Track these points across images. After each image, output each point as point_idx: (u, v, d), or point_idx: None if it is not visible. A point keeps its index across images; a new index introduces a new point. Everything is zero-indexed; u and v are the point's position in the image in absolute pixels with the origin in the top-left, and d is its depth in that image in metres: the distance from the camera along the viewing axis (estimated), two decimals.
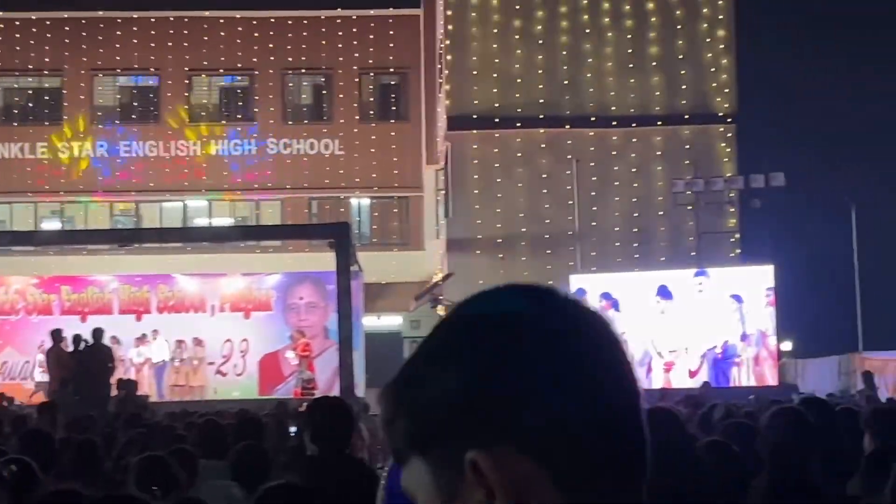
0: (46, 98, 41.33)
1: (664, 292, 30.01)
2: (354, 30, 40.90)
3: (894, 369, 26.55)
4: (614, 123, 35.82)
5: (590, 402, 1.30)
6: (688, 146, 35.75)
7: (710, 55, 36.26)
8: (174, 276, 31.44)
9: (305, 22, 40.92)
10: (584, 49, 36.21)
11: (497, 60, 36.16)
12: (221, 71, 41.04)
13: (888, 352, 27.58)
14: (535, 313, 1.38)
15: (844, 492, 5.64)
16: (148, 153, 40.86)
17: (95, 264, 34.08)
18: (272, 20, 41.00)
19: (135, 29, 40.64)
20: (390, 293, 39.13)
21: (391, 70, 41.59)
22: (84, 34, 40.79)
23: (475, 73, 36.12)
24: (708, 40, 36.33)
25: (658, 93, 36.03)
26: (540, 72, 36.10)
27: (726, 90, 36.26)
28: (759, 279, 29.71)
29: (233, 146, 40.92)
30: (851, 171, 38.19)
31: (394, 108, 41.72)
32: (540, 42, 36.20)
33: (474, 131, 35.91)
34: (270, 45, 40.82)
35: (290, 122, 41.16)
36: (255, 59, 40.94)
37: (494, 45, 36.27)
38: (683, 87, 36.01)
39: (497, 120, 35.86)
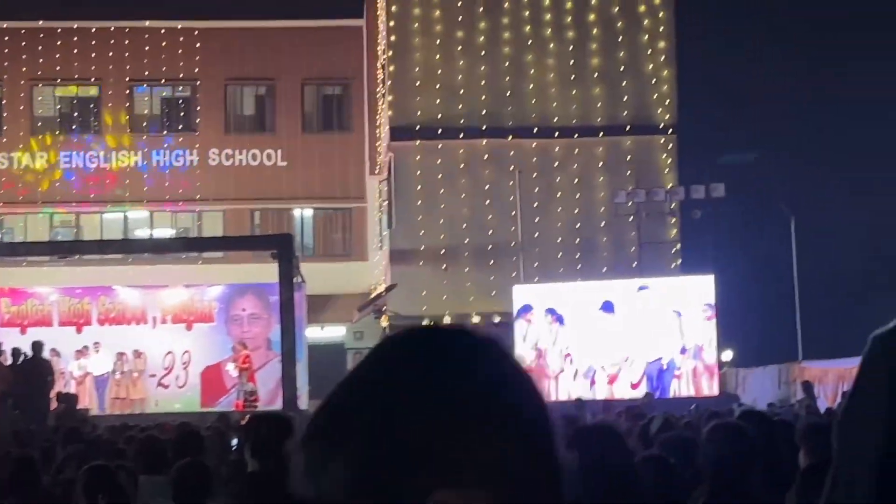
0: None
1: (607, 307, 30.18)
2: (297, 40, 40.82)
3: (834, 378, 26.80)
4: (556, 135, 35.95)
5: (517, 429, 1.30)
6: (629, 157, 35.94)
7: (650, 66, 36.49)
8: (115, 287, 31.19)
9: (248, 32, 40.79)
10: (526, 60, 36.34)
11: (440, 71, 36.20)
12: (163, 81, 40.80)
13: (827, 361, 27.82)
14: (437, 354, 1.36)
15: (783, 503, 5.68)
16: (88, 164, 40.53)
17: (35, 276, 33.76)
18: (214, 30, 40.84)
19: (75, 39, 40.33)
20: (334, 304, 39.03)
21: (334, 81, 41.55)
22: (24, 44, 40.41)
23: (418, 83, 36.13)
24: (649, 52, 36.57)
25: (600, 104, 36.22)
26: (483, 83, 36.17)
27: (667, 101, 36.50)
28: (699, 292, 29.92)
29: (174, 157, 40.68)
30: (791, 181, 38.56)
31: (337, 118, 41.68)
32: (482, 53, 36.28)
33: (417, 142, 35.92)
34: (213, 56, 40.65)
35: (232, 133, 40.99)
36: (197, 70, 40.75)
37: (437, 57, 36.31)
38: (625, 98, 36.21)
39: (440, 131, 35.89)
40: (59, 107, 41.06)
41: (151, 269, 35.25)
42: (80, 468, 7.13)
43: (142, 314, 30.62)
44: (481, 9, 36.42)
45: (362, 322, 38.50)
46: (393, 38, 36.61)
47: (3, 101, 40.75)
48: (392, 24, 36.68)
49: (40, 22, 40.16)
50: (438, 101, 36.06)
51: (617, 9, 36.35)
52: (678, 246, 35.78)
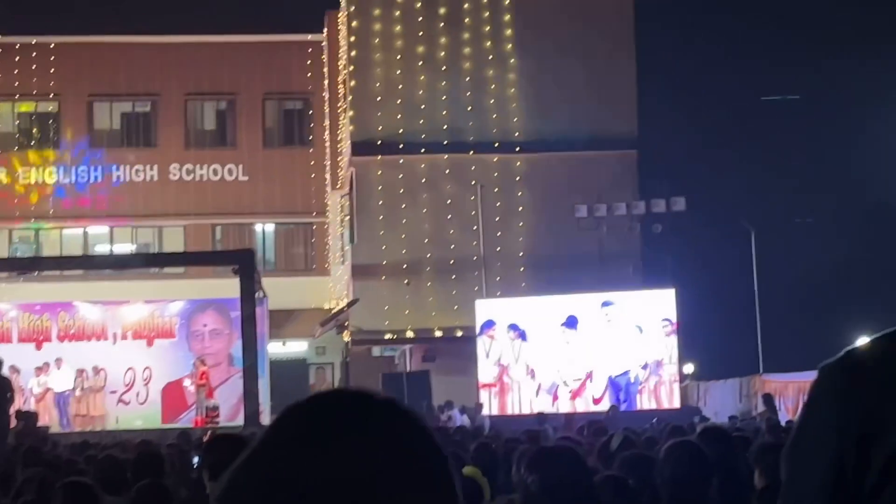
0: None
1: (570, 322, 30.27)
2: (258, 55, 40.78)
3: (794, 391, 26.97)
4: (518, 149, 36.03)
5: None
6: (590, 172, 36.03)
7: (611, 81, 36.61)
8: (75, 303, 31.02)
9: (208, 47, 40.70)
10: (487, 75, 36.42)
11: (401, 86, 36.23)
12: (123, 96, 40.64)
13: (788, 374, 27.99)
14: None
15: None
16: (48, 179, 40.31)
17: None
18: (175, 45, 40.72)
19: (34, 55, 40.11)
20: (295, 319, 38.94)
21: (295, 95, 41.52)
22: None
23: (379, 98, 36.14)
24: (609, 66, 36.69)
25: (560, 119, 36.30)
26: (444, 98, 36.22)
27: (628, 116, 36.64)
28: (659, 306, 30.03)
29: (135, 172, 40.52)
30: (750, 195, 38.81)
31: (297, 133, 41.65)
32: (443, 68, 36.34)
33: (378, 157, 35.91)
34: (173, 70, 40.53)
35: (193, 148, 40.86)
36: (157, 85, 40.61)
37: (398, 72, 36.35)
38: (585, 113, 36.31)
39: (401, 145, 35.90)
40: (17, 122, 40.82)
41: (112, 284, 35.06)
42: (41, 491, 7.09)
43: (102, 330, 30.46)
44: (442, 24, 36.51)
45: (324, 337, 38.44)
46: (353, 53, 36.62)
47: None
48: (353, 39, 36.70)
49: None
50: (399, 115, 36.08)
51: (576, 23, 36.46)
52: (639, 260, 35.91)
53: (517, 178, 36.04)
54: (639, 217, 34.41)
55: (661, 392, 29.88)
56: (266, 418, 27.74)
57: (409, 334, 35.35)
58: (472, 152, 35.88)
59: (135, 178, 40.54)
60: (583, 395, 30.11)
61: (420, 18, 36.54)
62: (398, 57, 36.42)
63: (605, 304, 30.36)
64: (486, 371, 30.72)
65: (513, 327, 30.66)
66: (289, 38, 41.23)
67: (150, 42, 40.70)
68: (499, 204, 35.57)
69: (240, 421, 24.72)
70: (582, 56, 36.45)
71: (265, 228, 41.47)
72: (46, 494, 6.85)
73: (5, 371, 24.10)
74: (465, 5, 36.68)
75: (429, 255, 35.53)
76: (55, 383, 29.95)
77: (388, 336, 35.61)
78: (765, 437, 11.18)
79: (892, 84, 37.08)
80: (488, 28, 36.61)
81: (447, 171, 35.88)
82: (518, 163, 36.13)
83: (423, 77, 36.28)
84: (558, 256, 35.46)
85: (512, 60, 36.54)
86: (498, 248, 35.27)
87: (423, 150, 35.83)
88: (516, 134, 36.21)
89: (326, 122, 41.17)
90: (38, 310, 30.79)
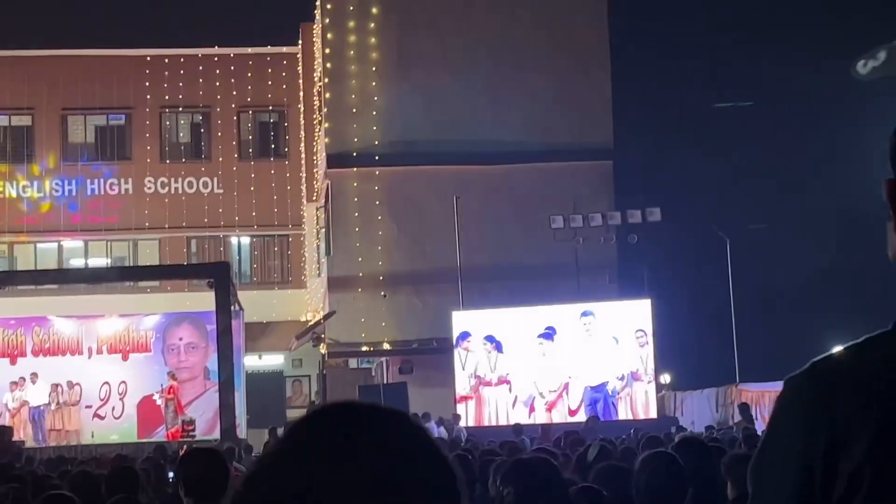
0: None
1: (547, 334, 30.28)
2: (232, 67, 40.76)
3: (771, 400, 27.02)
4: (494, 160, 36.04)
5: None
6: (566, 183, 36.07)
7: (585, 89, 36.67)
8: (50, 318, 30.90)
9: (183, 60, 40.66)
10: (462, 86, 36.39)
11: (376, 98, 36.24)
12: (97, 110, 40.52)
13: (764, 383, 28.04)
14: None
15: None
16: (22, 193, 40.16)
17: None
18: (149, 58, 40.66)
19: (7, 68, 39.95)
20: (272, 332, 38.89)
21: (270, 108, 41.51)
22: None
23: (354, 110, 36.14)
24: (583, 77, 36.76)
25: (536, 130, 36.34)
26: (421, 109, 36.19)
27: (602, 126, 36.72)
28: (636, 316, 30.06)
29: (109, 186, 40.40)
30: (724, 204, 38.90)
31: (273, 145, 41.62)
32: (419, 79, 36.32)
33: (354, 169, 35.89)
34: (147, 84, 40.46)
35: (167, 161, 40.79)
36: (131, 98, 40.52)
37: (373, 83, 36.35)
38: (560, 124, 36.36)
39: (377, 157, 35.89)
40: None
41: (87, 298, 34.92)
42: None
43: (77, 345, 30.34)
44: (416, 36, 36.49)
45: (301, 350, 38.37)
46: (328, 65, 36.61)
47: None
48: (328, 51, 36.69)
49: None
50: (375, 127, 36.08)
51: (551, 32, 36.52)
52: (615, 271, 35.97)
53: (493, 189, 36.04)
54: (615, 228, 34.46)
55: (638, 402, 29.91)
56: (242, 432, 27.69)
57: (386, 346, 35.32)
58: (449, 163, 35.87)
59: (109, 191, 40.42)
60: (559, 406, 30.11)
61: (394, 31, 36.54)
62: (373, 69, 36.42)
63: (586, 314, 30.37)
64: (462, 383, 30.69)
65: (489, 339, 30.66)
66: (263, 50, 41.24)
67: (125, 55, 40.63)
68: (476, 215, 35.55)
69: (216, 434, 24.65)
70: (556, 66, 36.51)
71: (241, 241, 41.40)
72: None
73: None
74: (440, 16, 36.68)
75: (406, 267, 35.50)
76: (30, 398, 29.81)
77: (364, 348, 35.56)
78: (740, 448, 11.19)
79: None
80: (463, 40, 36.61)
81: (424, 183, 35.87)
82: (494, 173, 36.13)
83: (398, 89, 36.26)
84: (535, 267, 35.47)
85: (485, 70, 36.53)
86: (475, 260, 35.25)
87: (399, 162, 35.81)
88: (492, 144, 36.20)
89: (302, 134, 41.15)
90: (13, 324, 30.65)
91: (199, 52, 40.74)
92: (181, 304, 33.39)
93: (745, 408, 25.57)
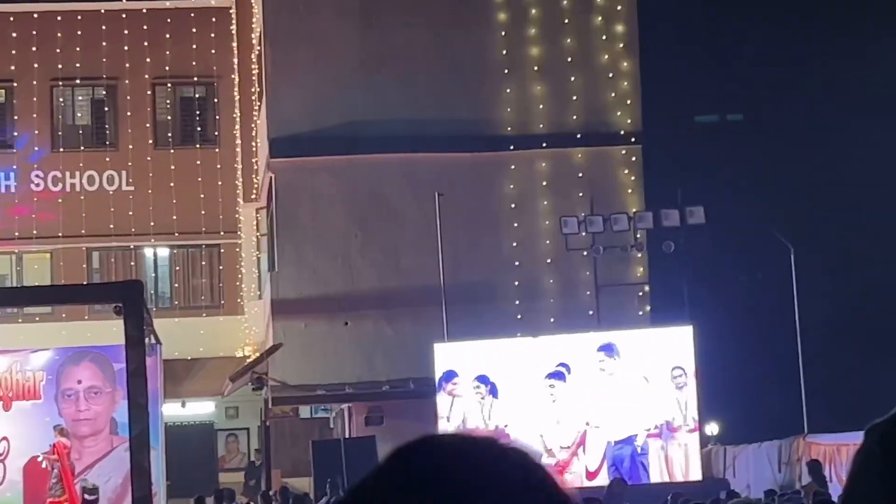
0: None
1: (557, 373, 30.26)
2: (145, 27, 40.72)
3: (849, 456, 27.10)
4: (488, 146, 36.09)
5: None
6: (581, 174, 36.16)
7: (606, 57, 36.78)
8: None
9: (80, 18, 40.60)
10: (448, 48, 36.43)
11: (333, 65, 36.23)
12: None
13: (840, 434, 28.09)
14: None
15: None
16: None
17: None
18: (35, 16, 40.60)
19: None
20: (199, 372, 38.85)
21: (195, 79, 41.48)
22: None
23: (304, 82, 36.13)
24: (603, 38, 36.88)
25: (542, 106, 36.43)
26: (392, 78, 36.23)
27: (628, 101, 36.82)
28: (672, 349, 30.07)
29: None
30: (789, 204, 38.98)
31: (199, 128, 41.59)
32: (392, 38, 36.35)
33: (306, 158, 35.88)
34: (34, 49, 40.41)
35: (61, 149, 40.71)
36: (13, 67, 40.47)
37: (329, 46, 36.33)
38: (574, 98, 36.45)
39: (335, 143, 35.89)
40: None
41: None
42: None
43: None
44: None
45: (237, 395, 38.32)
46: (271, 21, 36.60)
47: None
48: (270, 4, 36.68)
49: None
50: (332, 103, 36.04)
51: None
52: (646, 289, 36.04)
53: (487, 184, 36.09)
54: (645, 232, 34.54)
55: (675, 461, 29.93)
56: (161, 502, 27.63)
57: (349, 389, 35.32)
58: (429, 150, 35.90)
59: None
60: (574, 466, 30.13)
61: None
62: (329, 26, 36.39)
63: (604, 348, 30.33)
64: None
65: (481, 379, 30.65)
66: (186, 4, 41.21)
67: (4, 12, 40.57)
68: (464, 217, 35.57)
69: None
70: (568, 24, 36.60)
71: (157, 253, 41.36)
72: None
73: None
74: None
75: (374, 286, 35.51)
76: None
77: (320, 392, 35.56)
78: None
79: None
80: None
81: (397, 175, 35.88)
82: (489, 163, 36.18)
83: (364, 51, 36.25)
84: (541, 285, 35.52)
85: (479, 30, 36.59)
86: (463, 275, 35.26)
87: (364, 148, 35.81)
88: (486, 125, 36.25)
89: (237, 114, 41.13)
90: None
91: (102, 6, 40.70)
92: (80, 337, 33.32)
93: (815, 466, 25.62)
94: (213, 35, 41.17)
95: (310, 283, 35.66)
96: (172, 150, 41.06)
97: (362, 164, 35.93)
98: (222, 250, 41.37)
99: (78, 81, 41.00)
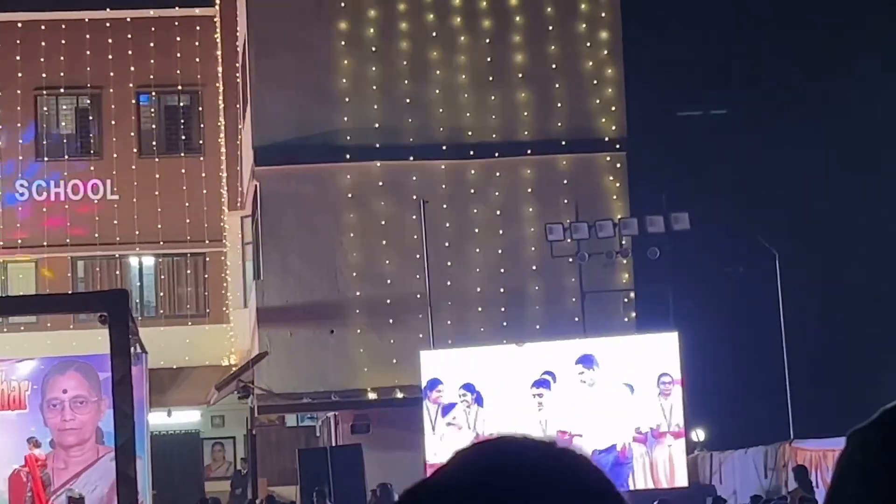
0: None
1: (542, 381, 30.23)
2: (129, 36, 40.68)
3: (834, 461, 27.08)
4: (471, 153, 36.10)
5: None
6: (566, 181, 36.18)
7: (590, 64, 36.80)
8: None
9: (64, 27, 40.56)
10: (430, 58, 36.50)
11: (317, 74, 36.22)
12: None
13: (826, 440, 28.11)
14: None
15: None
16: None
17: None
18: (19, 25, 40.55)
19: None
20: (184, 381, 38.79)
21: (179, 88, 41.44)
22: None
23: (289, 90, 36.11)
24: (588, 45, 36.89)
25: (526, 113, 36.44)
26: (374, 87, 36.25)
27: (613, 108, 36.84)
28: (658, 356, 30.06)
29: None
30: (775, 210, 39.01)
31: (184, 137, 41.56)
32: (373, 49, 36.38)
33: (290, 166, 35.86)
34: (18, 58, 40.33)
35: (45, 158, 40.66)
36: None
37: (313, 55, 36.33)
38: (558, 104, 36.47)
39: (320, 150, 35.88)
40: None
41: None
42: None
43: None
44: None
45: (223, 404, 38.26)
46: (255, 31, 36.59)
47: None
48: (254, 12, 36.67)
49: None
50: (316, 112, 36.05)
51: None
52: (632, 295, 36.05)
53: (471, 191, 36.10)
54: (630, 239, 34.55)
55: (660, 467, 29.92)
56: None
57: (335, 398, 35.28)
58: (411, 158, 35.92)
59: None
60: None
61: None
62: (312, 36, 36.40)
63: (582, 360, 30.27)
64: (434, 447, 30.63)
65: (468, 387, 30.62)
66: (170, 13, 41.18)
67: None
68: (448, 224, 35.59)
69: None
70: (552, 30, 36.62)
71: (143, 262, 41.31)
72: None
73: None
74: None
75: (358, 294, 35.50)
76: None
77: (306, 400, 35.51)
78: None
79: None
80: None
81: (380, 183, 35.89)
82: (472, 170, 36.20)
83: (346, 61, 36.29)
84: (526, 292, 35.52)
85: (462, 38, 36.63)
86: (448, 283, 35.28)
87: (348, 157, 35.82)
88: (469, 133, 36.28)
89: (221, 122, 41.09)
90: None
91: (86, 15, 40.65)
92: (65, 346, 33.26)
93: (801, 472, 25.63)
94: (197, 44, 41.15)
95: (295, 292, 35.63)
96: (157, 159, 41.03)
97: (347, 171, 35.93)
98: (207, 259, 41.34)
99: (62, 90, 40.96)
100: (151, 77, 40.93)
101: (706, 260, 37.29)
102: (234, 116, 40.34)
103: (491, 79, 36.46)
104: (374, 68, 36.34)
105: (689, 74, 41.00)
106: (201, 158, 41.28)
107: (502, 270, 35.70)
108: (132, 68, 40.72)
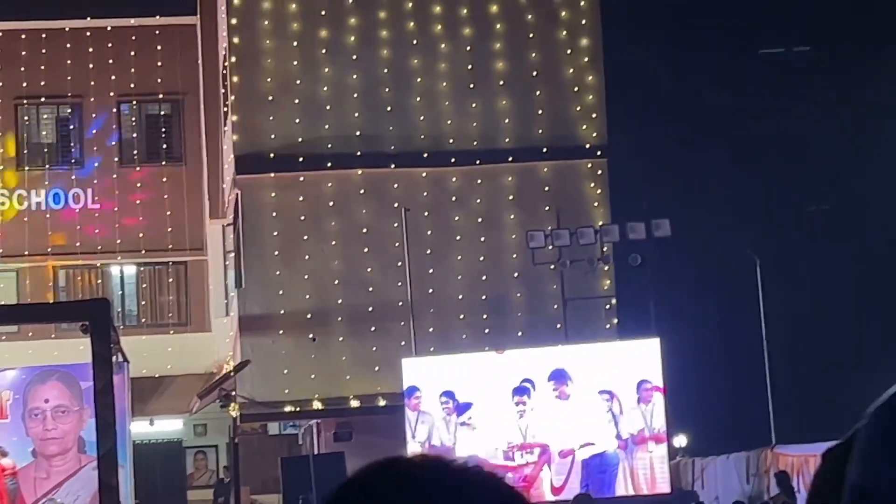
0: None
1: (522, 390, 30.23)
2: (110, 45, 40.63)
3: (816, 467, 27.10)
4: (453, 161, 36.13)
5: None
6: (547, 188, 36.22)
7: (571, 71, 36.85)
8: None
9: (45, 36, 40.49)
10: (411, 66, 36.52)
11: (298, 82, 36.23)
12: None
13: (808, 445, 28.13)
14: None
15: None
16: None
17: None
18: (1, 34, 40.46)
19: None
20: (166, 390, 38.74)
21: (160, 96, 41.39)
22: None
23: (270, 98, 36.12)
24: (568, 52, 36.94)
25: (507, 120, 36.47)
26: (355, 95, 36.27)
27: (593, 115, 36.88)
28: (639, 361, 30.08)
29: None
30: (755, 216, 39.06)
31: (165, 145, 41.51)
32: (354, 57, 36.39)
33: (272, 175, 35.87)
34: None
35: (26, 167, 40.59)
36: None
37: (294, 63, 36.35)
38: (539, 111, 36.51)
39: (301, 159, 35.89)
40: None
41: None
42: None
43: None
44: (351, 0, 36.56)
45: (205, 413, 38.22)
46: (236, 40, 36.59)
47: None
48: (235, 21, 36.67)
49: None
50: (298, 120, 36.07)
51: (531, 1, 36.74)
52: (613, 302, 36.08)
53: (453, 198, 36.13)
54: (611, 246, 34.59)
55: (641, 473, 29.88)
56: None
57: (317, 405, 35.26)
58: (393, 166, 35.94)
59: None
60: (538, 482, 30.08)
61: None
62: (294, 44, 36.43)
63: (554, 377, 30.22)
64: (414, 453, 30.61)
65: (447, 395, 30.61)
66: (151, 21, 41.14)
67: None
68: (429, 232, 35.62)
69: None
70: (533, 38, 36.66)
71: (124, 271, 41.24)
72: None
73: None
74: None
75: (340, 301, 35.49)
76: None
77: (288, 408, 35.49)
78: None
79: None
80: (410, 4, 36.73)
81: (362, 191, 35.90)
82: (453, 178, 36.22)
83: (327, 69, 36.31)
84: (508, 299, 35.54)
85: (443, 45, 36.66)
86: (430, 290, 35.30)
87: (329, 165, 35.84)
88: (450, 140, 36.31)
89: (203, 131, 41.05)
90: None
91: (66, 24, 40.60)
92: (46, 356, 33.17)
93: (783, 477, 25.65)
94: (178, 52, 41.10)
95: (277, 300, 35.60)
96: (138, 168, 40.98)
97: (328, 179, 35.95)
98: (188, 268, 41.30)
99: (42, 99, 40.90)
100: (132, 86, 40.88)
101: (688, 266, 37.30)
102: (216, 125, 40.30)
103: (472, 86, 36.49)
104: (354, 76, 36.36)
105: (670, 80, 41.03)
106: (182, 167, 41.23)
107: (484, 278, 35.72)
108: (113, 77, 40.67)
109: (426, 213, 35.79)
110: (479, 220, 36.07)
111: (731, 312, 36.06)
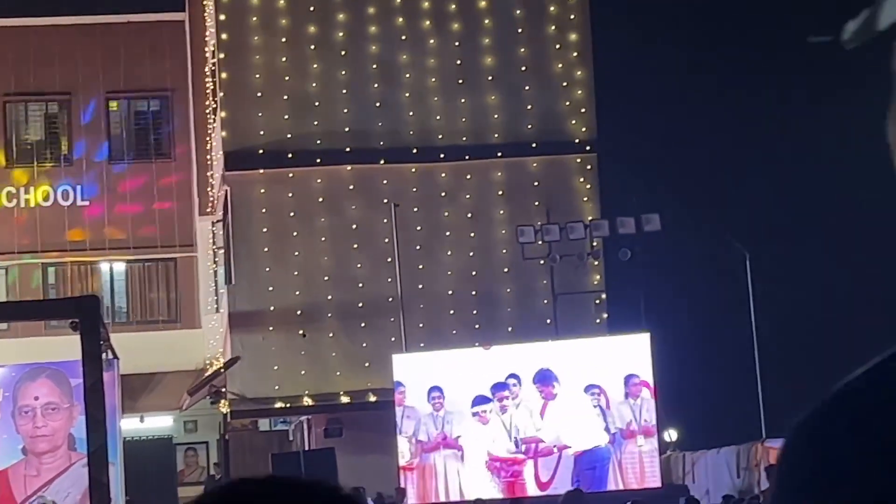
0: None
1: (504, 385, 30.23)
2: (99, 42, 40.55)
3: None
4: (442, 156, 36.13)
5: None
6: (537, 183, 36.22)
7: (560, 66, 36.86)
8: None
9: (33, 32, 40.42)
10: (400, 61, 36.52)
11: (287, 78, 36.23)
12: None
13: None
14: None
15: None
16: None
17: None
18: None
19: None
20: (157, 387, 38.72)
21: (149, 93, 41.34)
22: None
23: (259, 94, 36.11)
24: (557, 46, 36.95)
25: (496, 116, 36.48)
26: (344, 91, 36.26)
27: (582, 109, 36.89)
28: (628, 357, 30.10)
29: None
30: (744, 210, 39.10)
31: (153, 142, 41.44)
32: (343, 53, 36.39)
33: (261, 171, 35.86)
34: None
35: (14, 164, 40.55)
36: None
37: (283, 59, 36.35)
38: (529, 107, 36.52)
39: (290, 155, 35.89)
40: None
41: None
42: None
43: None
44: None
45: (196, 409, 38.22)
46: (225, 35, 36.57)
47: None
48: (223, 17, 36.66)
49: None
50: (287, 116, 36.07)
51: None
52: (603, 296, 36.10)
53: (442, 194, 36.13)
54: (601, 240, 34.62)
55: (630, 468, 29.89)
56: None
57: (307, 401, 35.26)
58: (382, 161, 35.94)
59: None
60: (525, 477, 30.09)
61: None
62: (283, 40, 36.42)
63: (539, 380, 30.24)
64: (403, 449, 30.64)
65: (435, 390, 30.62)
66: (140, 17, 41.09)
67: None
68: (419, 228, 35.62)
69: None
70: (522, 32, 36.68)
71: (113, 268, 41.20)
72: None
73: None
74: None
75: (330, 297, 35.49)
76: None
77: (278, 405, 35.49)
78: None
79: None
80: (399, 0, 36.72)
81: (351, 187, 35.90)
82: (443, 173, 36.23)
83: (316, 65, 36.31)
84: (498, 294, 35.55)
85: (431, 41, 36.67)
86: (420, 286, 35.31)
87: (318, 161, 35.83)
88: (439, 136, 36.31)
89: (191, 127, 41.02)
90: None
91: (55, 21, 40.55)
92: (36, 353, 33.12)
93: (774, 471, 25.68)
94: (166, 49, 41.07)
95: (267, 296, 35.60)
96: (127, 164, 40.94)
97: (318, 175, 35.95)
98: (178, 264, 41.26)
99: (31, 96, 40.84)
100: (120, 83, 40.83)
101: (677, 261, 37.35)
102: (205, 121, 40.26)
103: (461, 82, 36.50)
104: (343, 72, 36.36)
105: (659, 74, 41.09)
106: (171, 163, 41.21)
107: (474, 273, 35.74)
108: (101, 74, 40.61)
109: (415, 209, 35.81)
110: (469, 215, 36.08)
111: (721, 307, 36.13)
